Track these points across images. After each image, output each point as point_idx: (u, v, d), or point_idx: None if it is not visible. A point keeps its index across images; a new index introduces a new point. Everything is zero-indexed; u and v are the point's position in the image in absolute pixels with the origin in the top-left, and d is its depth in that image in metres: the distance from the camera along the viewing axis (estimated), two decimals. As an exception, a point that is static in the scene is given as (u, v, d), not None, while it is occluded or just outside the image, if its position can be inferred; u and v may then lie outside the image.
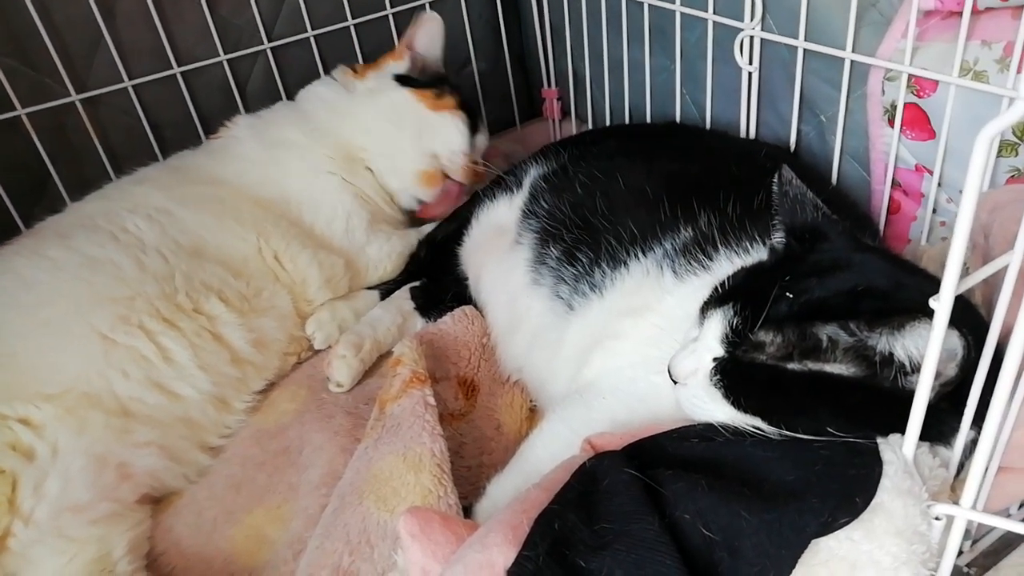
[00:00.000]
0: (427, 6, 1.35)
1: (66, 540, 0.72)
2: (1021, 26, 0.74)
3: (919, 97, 0.85)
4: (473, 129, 1.15)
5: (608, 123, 1.35)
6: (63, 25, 1.09)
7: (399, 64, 1.13)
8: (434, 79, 1.15)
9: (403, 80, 1.12)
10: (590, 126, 1.41)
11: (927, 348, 0.47)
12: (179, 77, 1.18)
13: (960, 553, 0.66)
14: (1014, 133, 0.79)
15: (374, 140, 1.12)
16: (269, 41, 1.24)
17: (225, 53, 1.20)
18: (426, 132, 1.12)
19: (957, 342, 0.51)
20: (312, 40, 1.27)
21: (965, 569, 0.66)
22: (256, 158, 1.06)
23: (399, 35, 1.34)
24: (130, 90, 1.15)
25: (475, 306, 1.01)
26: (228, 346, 0.92)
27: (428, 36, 1.13)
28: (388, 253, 1.12)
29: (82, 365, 0.82)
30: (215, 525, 0.81)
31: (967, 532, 0.65)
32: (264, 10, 1.22)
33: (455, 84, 1.19)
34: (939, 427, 0.55)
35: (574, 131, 1.44)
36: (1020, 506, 0.69)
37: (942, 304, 0.46)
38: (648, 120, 1.25)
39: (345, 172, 1.10)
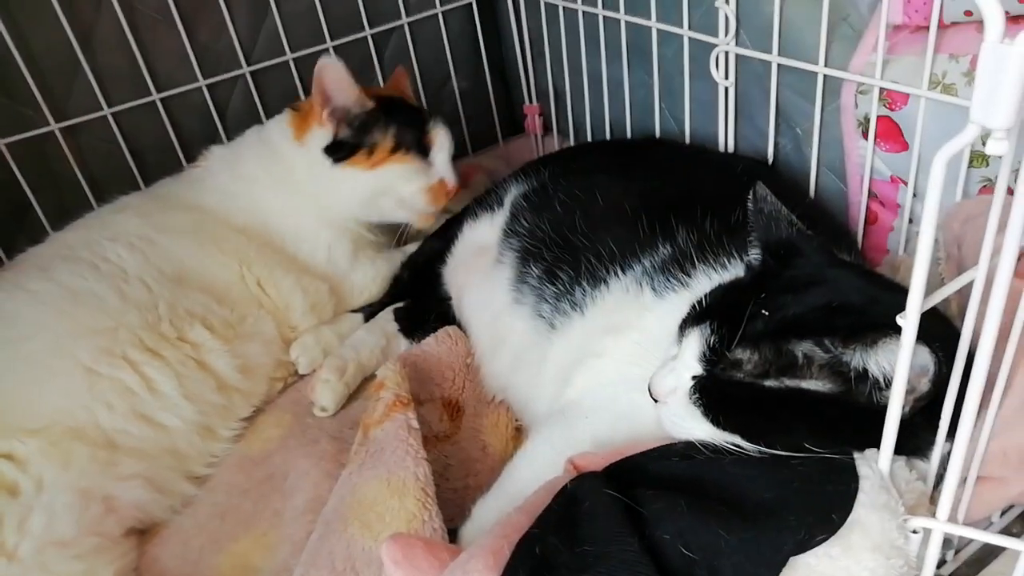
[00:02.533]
0: (406, 26, 1.36)
1: (51, 575, 0.72)
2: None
3: (891, 110, 0.86)
4: (424, 149, 1.06)
5: (590, 138, 1.36)
6: (40, 54, 1.09)
7: (324, 133, 1.02)
8: (362, 126, 1.03)
9: (332, 150, 1.02)
10: (572, 141, 1.42)
11: (897, 364, 0.48)
12: (159, 103, 1.18)
13: (943, 563, 0.66)
14: (984, 143, 0.79)
15: (339, 205, 1.07)
16: (248, 65, 1.24)
17: (204, 78, 1.20)
18: (382, 191, 1.05)
19: (928, 358, 0.51)
20: (291, 63, 1.27)
21: (948, 579, 0.66)
22: (233, 190, 1.05)
23: (378, 56, 1.35)
24: (109, 118, 1.15)
25: (459, 326, 1.01)
26: (214, 374, 0.92)
27: (337, 83, 1.00)
28: (373, 277, 1.12)
29: (66, 399, 0.82)
30: (201, 554, 0.81)
31: (949, 542, 0.65)
32: (242, 34, 1.22)
33: (390, 105, 1.06)
34: (915, 441, 0.56)
35: (557, 146, 1.44)
36: (1002, 514, 0.70)
37: (908, 321, 0.46)
38: (628, 135, 1.25)
39: (319, 208, 1.06)
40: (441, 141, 1.07)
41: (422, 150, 1.05)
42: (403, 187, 1.05)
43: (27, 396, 0.82)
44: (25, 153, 1.10)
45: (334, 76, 0.99)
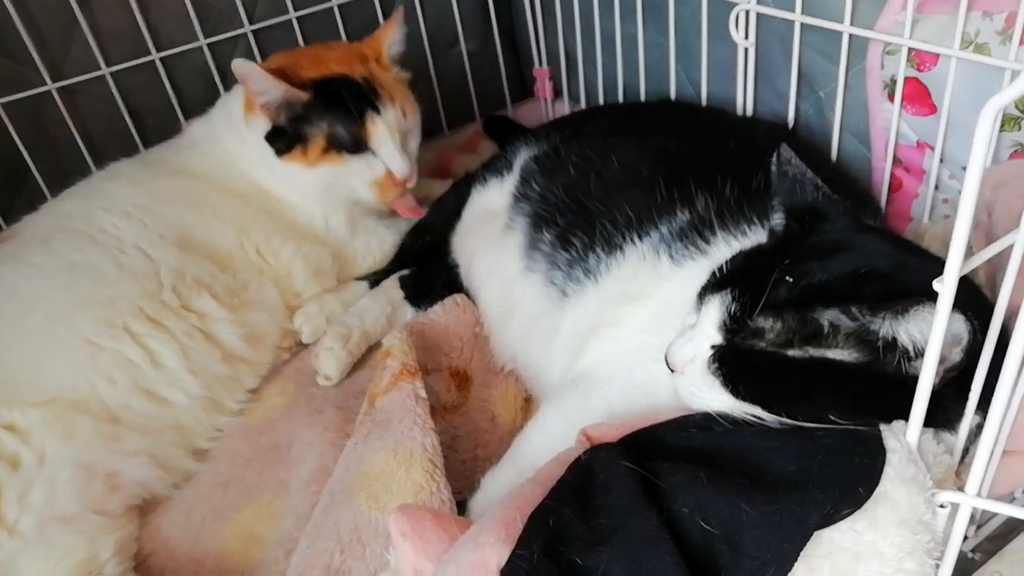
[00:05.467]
0: (413, -15, 1.32)
1: (52, 547, 0.71)
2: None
3: (919, 71, 0.83)
4: (361, 145, 0.97)
5: (602, 102, 1.33)
6: (37, 12, 1.06)
7: (262, 121, 0.96)
8: (298, 118, 0.96)
9: (272, 138, 0.96)
10: (583, 105, 1.39)
11: (931, 333, 0.46)
12: (158, 63, 1.15)
13: (965, 538, 0.65)
14: (1017, 107, 0.77)
15: (291, 193, 1.02)
16: (250, 24, 1.20)
17: (205, 37, 1.17)
18: (329, 186, 1.00)
19: (963, 326, 0.49)
20: (294, 22, 1.24)
21: (970, 554, 0.65)
22: (223, 159, 1.02)
23: (385, 15, 1.31)
24: (108, 77, 1.13)
25: (467, 294, 0.99)
26: (219, 344, 0.90)
27: (259, 84, 0.92)
28: (377, 245, 1.10)
29: (68, 372, 0.81)
30: (204, 524, 0.80)
31: (972, 517, 0.64)
32: (245, -8, 1.19)
33: (329, 90, 0.96)
34: (944, 413, 0.54)
35: (567, 111, 1.41)
36: (1025, 490, 0.68)
37: (946, 286, 0.44)
38: (642, 98, 1.22)
39: (302, 182, 1.01)
40: (380, 134, 0.97)
41: (358, 145, 0.97)
42: (348, 182, 1.00)
43: (29, 369, 0.80)
44: (22, 114, 1.08)
45: (254, 77, 0.92)
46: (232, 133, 1.02)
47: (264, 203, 1.01)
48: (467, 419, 0.85)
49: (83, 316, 0.83)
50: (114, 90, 1.13)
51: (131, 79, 1.15)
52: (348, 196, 1.03)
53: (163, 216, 0.94)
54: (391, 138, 0.98)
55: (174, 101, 1.18)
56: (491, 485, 0.70)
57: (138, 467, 0.80)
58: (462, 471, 0.79)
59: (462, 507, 0.70)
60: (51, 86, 1.08)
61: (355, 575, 0.66)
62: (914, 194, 0.92)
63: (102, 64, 1.11)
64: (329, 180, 1.00)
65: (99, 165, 1.06)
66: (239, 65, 0.92)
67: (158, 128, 1.15)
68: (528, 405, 0.89)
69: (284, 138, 0.97)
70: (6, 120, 1.06)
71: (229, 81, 1.21)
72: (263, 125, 0.97)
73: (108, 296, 0.85)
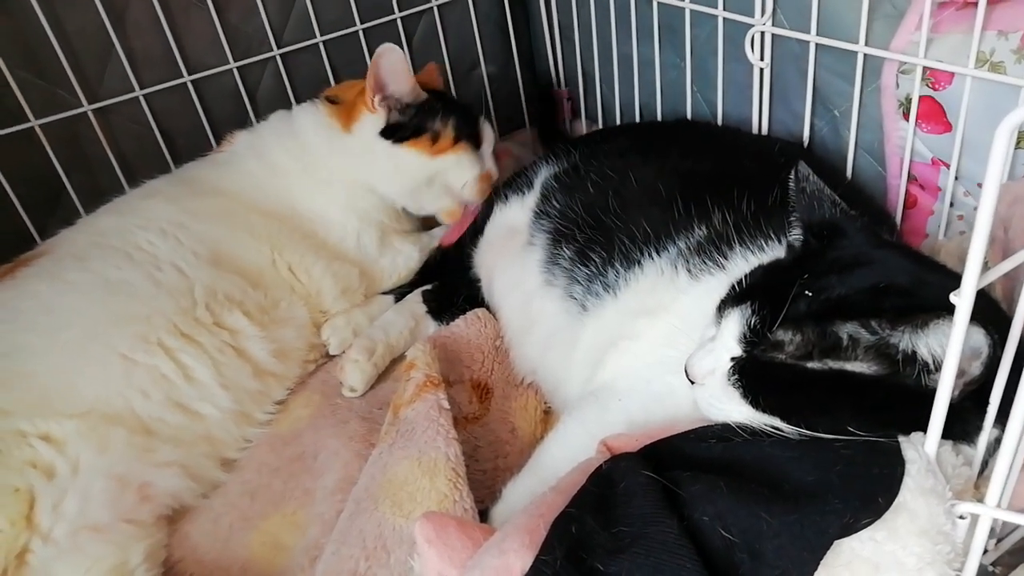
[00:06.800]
0: (435, 9, 1.36)
1: (83, 555, 0.72)
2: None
3: (934, 90, 0.84)
4: (477, 142, 1.10)
5: (619, 122, 1.34)
6: (74, 36, 1.10)
7: (376, 119, 1.05)
8: (419, 113, 1.06)
9: (389, 133, 1.05)
10: (601, 125, 1.41)
11: (948, 344, 0.46)
12: (189, 85, 1.19)
13: (985, 551, 0.65)
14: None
15: (390, 189, 1.10)
16: (278, 48, 1.24)
17: (235, 60, 1.21)
18: (437, 177, 1.08)
19: (982, 340, 0.49)
20: (321, 46, 1.27)
21: (990, 568, 0.64)
22: (260, 175, 1.05)
23: (407, 40, 1.34)
24: (141, 99, 1.16)
25: (488, 308, 1.01)
26: (250, 360, 0.92)
27: (393, 73, 1.01)
28: (403, 262, 1.13)
29: (103, 386, 0.82)
30: (231, 532, 0.81)
31: (992, 530, 0.64)
32: (273, 17, 1.22)
33: (441, 97, 1.11)
34: (963, 425, 0.54)
35: (585, 131, 1.43)
36: (1046, 504, 0.68)
37: (963, 300, 0.45)
38: (659, 118, 1.24)
39: (346, 196, 1.08)
40: (488, 136, 1.12)
41: (475, 143, 1.10)
42: (457, 176, 1.09)
43: (65, 381, 0.82)
44: (59, 135, 1.11)
45: (392, 65, 1.01)
46: (282, 146, 1.08)
47: (299, 223, 1.05)
48: (488, 430, 0.86)
49: (119, 332, 0.85)
50: (147, 111, 1.17)
51: (163, 101, 1.18)
52: (436, 194, 1.10)
53: (198, 234, 0.96)
54: (492, 142, 1.14)
55: (205, 122, 1.21)
56: (512, 495, 0.71)
57: (170, 478, 0.81)
58: (483, 481, 0.80)
59: (483, 516, 0.71)
60: (87, 108, 1.12)
61: (379, 582, 0.67)
62: (929, 211, 0.92)
63: (136, 86, 1.15)
64: (442, 170, 1.08)
65: (132, 183, 1.09)
66: (388, 48, 0.99)
67: (189, 148, 1.17)
68: (547, 417, 0.90)
69: (404, 130, 1.05)
70: (44, 140, 1.09)
71: (258, 103, 1.25)
72: (375, 122, 1.05)
73: (143, 313, 0.87)
